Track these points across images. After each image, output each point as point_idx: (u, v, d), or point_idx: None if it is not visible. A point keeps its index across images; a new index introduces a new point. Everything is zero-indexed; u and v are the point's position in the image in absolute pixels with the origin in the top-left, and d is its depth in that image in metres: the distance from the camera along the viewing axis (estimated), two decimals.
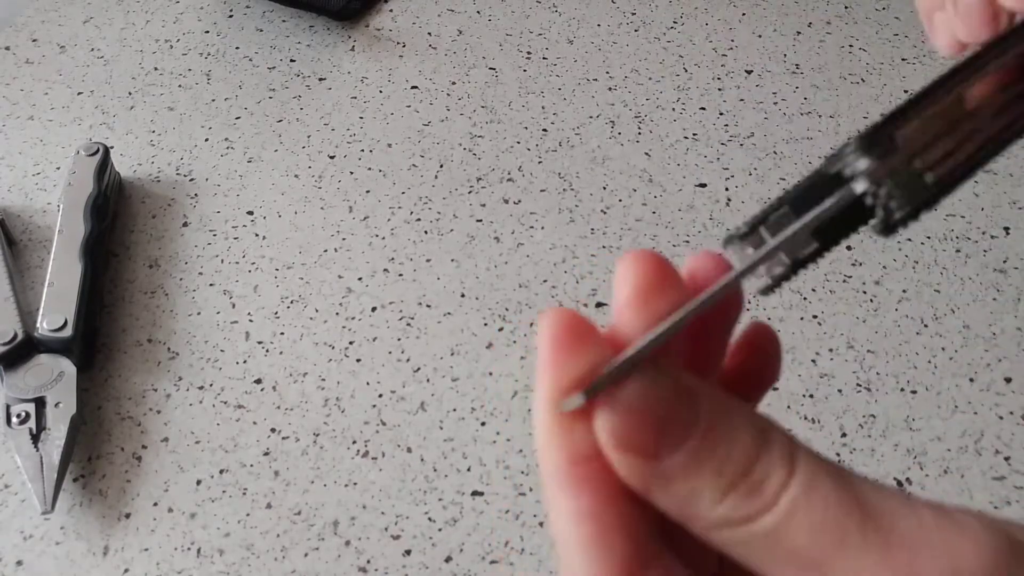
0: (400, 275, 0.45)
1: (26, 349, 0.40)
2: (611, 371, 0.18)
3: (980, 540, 0.16)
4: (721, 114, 0.53)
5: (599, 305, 0.44)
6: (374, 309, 0.44)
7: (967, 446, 0.39)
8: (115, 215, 0.47)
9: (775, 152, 0.51)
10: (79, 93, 0.54)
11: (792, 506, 0.16)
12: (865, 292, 0.44)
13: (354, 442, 0.39)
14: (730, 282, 0.20)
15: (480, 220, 0.47)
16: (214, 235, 0.47)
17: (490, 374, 0.41)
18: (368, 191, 0.49)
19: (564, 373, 0.18)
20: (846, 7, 0.63)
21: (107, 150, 0.48)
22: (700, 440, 0.17)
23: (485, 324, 0.43)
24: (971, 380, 0.41)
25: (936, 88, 0.21)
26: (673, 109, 0.54)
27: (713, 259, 0.20)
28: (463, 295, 0.44)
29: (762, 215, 0.20)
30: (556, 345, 0.19)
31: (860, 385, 0.41)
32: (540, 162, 0.50)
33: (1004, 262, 0.45)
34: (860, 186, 0.19)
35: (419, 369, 0.41)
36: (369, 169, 0.50)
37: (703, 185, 0.49)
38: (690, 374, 0.18)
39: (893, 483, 0.38)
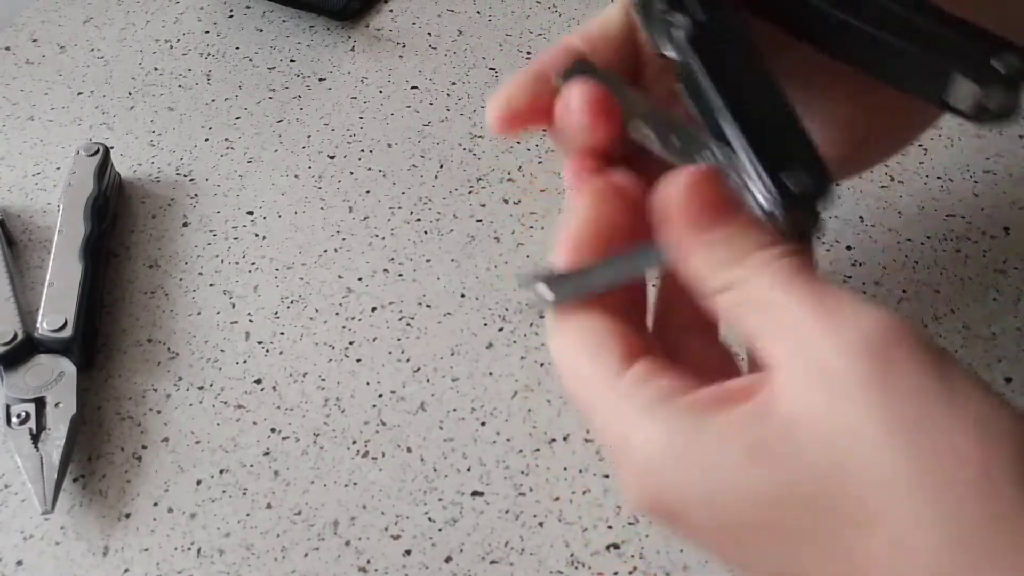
0: (400, 275, 0.45)
1: (26, 349, 0.40)
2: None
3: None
4: None
5: None
6: (374, 309, 0.44)
7: None
8: (115, 215, 0.47)
9: None
10: (79, 93, 0.54)
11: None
12: (865, 292, 0.44)
13: (354, 442, 0.39)
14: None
15: (480, 220, 0.47)
16: (214, 235, 0.47)
17: (490, 374, 0.41)
18: (368, 191, 0.49)
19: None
20: None
21: (107, 150, 0.48)
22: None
23: (485, 324, 0.43)
24: None
25: None
26: None
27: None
28: (463, 295, 0.44)
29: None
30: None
31: None
32: (540, 162, 0.50)
33: (1004, 262, 0.45)
34: None
35: (419, 369, 0.41)
36: (369, 169, 0.50)
37: None
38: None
39: None
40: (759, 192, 0.26)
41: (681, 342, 0.28)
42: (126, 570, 0.35)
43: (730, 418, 0.23)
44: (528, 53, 0.57)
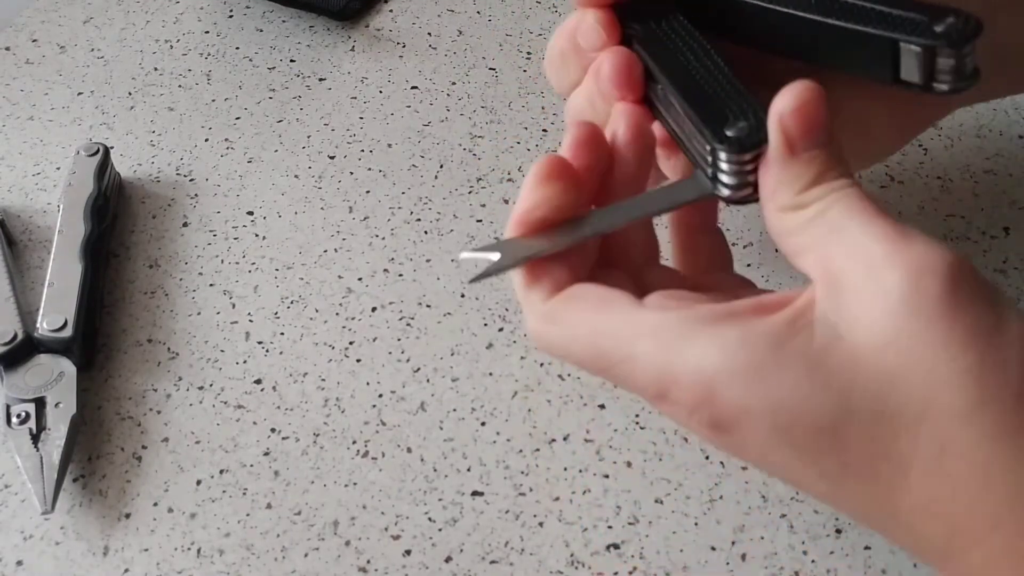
0: (400, 275, 0.45)
1: (26, 349, 0.40)
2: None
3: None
4: None
5: None
6: (374, 309, 0.44)
7: None
8: (115, 215, 0.47)
9: None
10: (79, 93, 0.54)
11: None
12: None
13: (354, 442, 0.39)
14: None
15: (480, 220, 0.47)
16: (214, 235, 0.47)
17: (490, 374, 0.41)
18: (368, 191, 0.49)
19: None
20: None
21: (107, 150, 0.48)
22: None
23: (485, 324, 0.43)
24: None
25: None
26: None
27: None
28: (463, 295, 0.44)
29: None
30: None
31: None
32: None
33: (1004, 262, 0.45)
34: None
35: (419, 369, 0.41)
36: (369, 169, 0.50)
37: None
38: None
39: None
40: (707, 152, 0.28)
41: (643, 278, 0.29)
42: (126, 570, 0.35)
43: (778, 324, 0.24)
44: (528, 53, 0.57)
